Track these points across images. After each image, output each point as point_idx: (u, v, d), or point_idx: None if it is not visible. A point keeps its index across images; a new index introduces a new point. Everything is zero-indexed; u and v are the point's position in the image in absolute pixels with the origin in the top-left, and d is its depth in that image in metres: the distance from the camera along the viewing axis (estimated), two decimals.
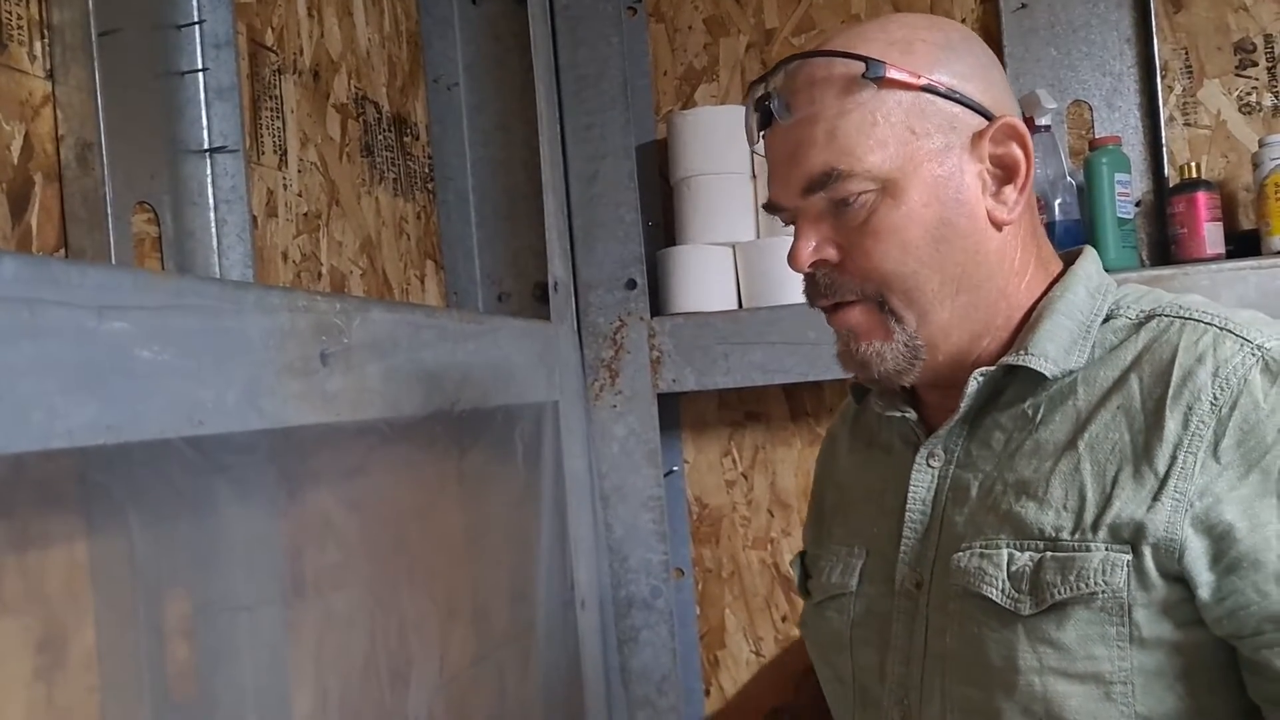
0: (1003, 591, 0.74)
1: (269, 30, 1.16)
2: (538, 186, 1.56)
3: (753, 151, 0.83)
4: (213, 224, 1.02)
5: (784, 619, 1.77)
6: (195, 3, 1.01)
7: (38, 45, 0.84)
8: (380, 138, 1.40)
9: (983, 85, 0.78)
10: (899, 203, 0.76)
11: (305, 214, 1.19)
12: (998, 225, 0.78)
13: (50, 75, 0.85)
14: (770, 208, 0.83)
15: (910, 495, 0.82)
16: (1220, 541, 0.68)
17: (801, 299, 1.64)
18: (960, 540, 0.78)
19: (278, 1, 1.18)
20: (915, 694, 0.80)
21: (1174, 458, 0.69)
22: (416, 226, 1.50)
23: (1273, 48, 1.62)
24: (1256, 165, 1.54)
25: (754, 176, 1.70)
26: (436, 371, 1.08)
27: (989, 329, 0.79)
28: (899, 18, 0.82)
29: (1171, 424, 0.70)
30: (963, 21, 1.72)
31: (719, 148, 1.68)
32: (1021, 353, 0.77)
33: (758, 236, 1.69)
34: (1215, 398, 0.70)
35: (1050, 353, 0.76)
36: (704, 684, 1.79)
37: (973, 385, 0.78)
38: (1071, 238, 1.55)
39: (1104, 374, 0.76)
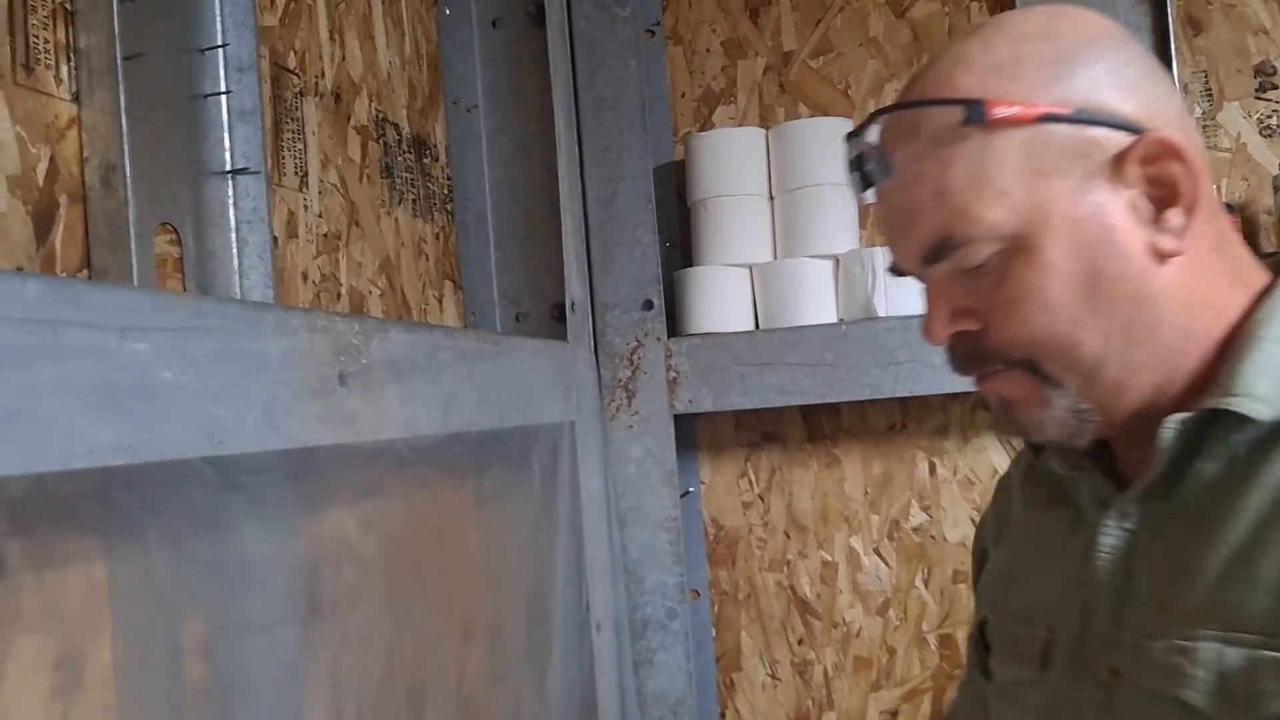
0: (1206, 695, 0.60)
1: (291, 53, 1.18)
2: (556, 208, 1.57)
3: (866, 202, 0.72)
4: (234, 244, 1.03)
5: (800, 642, 1.76)
6: (219, 27, 1.02)
7: (64, 69, 0.86)
8: (400, 159, 1.41)
9: (1122, 92, 0.65)
10: (1034, 260, 0.64)
11: (325, 235, 1.20)
12: (1164, 258, 0.64)
13: (76, 98, 0.86)
14: (895, 271, 0.73)
15: (1099, 566, 0.69)
16: None
17: (818, 320, 1.65)
18: (1157, 626, 0.64)
19: (300, 25, 1.19)
20: None
21: None
22: (435, 247, 1.50)
23: None
24: (1277, 188, 1.53)
25: (770, 198, 1.71)
26: (454, 392, 1.08)
27: (1177, 373, 0.66)
28: (1003, 26, 0.68)
29: None
30: None
31: (736, 169, 1.69)
32: (1224, 393, 0.62)
33: (775, 258, 1.69)
34: None
35: (1260, 390, 0.61)
36: (719, 707, 1.78)
37: (1167, 437, 0.64)
38: None
39: None
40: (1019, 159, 0.64)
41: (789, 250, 1.68)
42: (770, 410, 1.76)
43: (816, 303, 1.64)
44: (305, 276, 1.16)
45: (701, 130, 1.80)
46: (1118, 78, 0.65)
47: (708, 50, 1.83)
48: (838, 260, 1.65)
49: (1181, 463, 0.65)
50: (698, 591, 1.78)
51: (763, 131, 1.72)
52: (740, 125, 1.80)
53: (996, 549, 0.86)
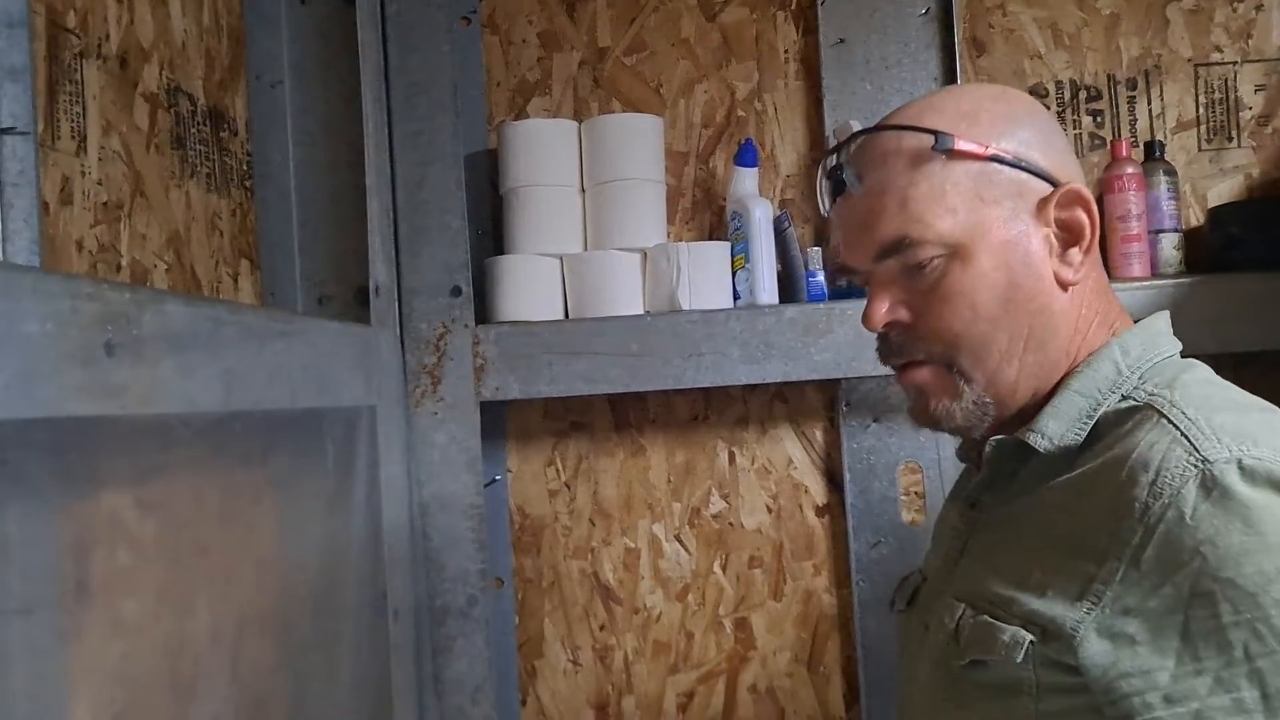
0: (949, 638, 0.81)
1: (71, 13, 1.12)
2: (363, 190, 1.54)
3: (825, 217, 0.91)
4: None
5: (602, 628, 1.79)
6: None
7: None
8: (194, 131, 1.36)
9: (1046, 152, 0.83)
10: (969, 266, 0.80)
11: (105, 203, 1.15)
12: (1064, 286, 0.82)
13: None
14: (843, 270, 0.88)
15: (951, 541, 0.89)
16: (1120, 649, 0.69)
17: (625, 311, 1.68)
18: (954, 589, 0.84)
19: None
20: None
21: (1101, 560, 0.71)
22: (231, 223, 1.46)
23: (1062, 93, 1.75)
24: None
25: (582, 190, 1.73)
26: (239, 369, 1.05)
27: (1045, 385, 0.83)
28: (967, 89, 0.89)
29: (1106, 526, 0.71)
30: (785, 53, 1.80)
31: (549, 160, 1.70)
32: (1028, 428, 0.81)
33: (585, 249, 1.72)
34: (1147, 507, 0.70)
35: (1050, 430, 0.80)
36: (520, 694, 1.79)
37: (987, 450, 0.83)
38: None
39: (1084, 459, 0.78)
40: (969, 185, 0.81)
41: (598, 242, 1.70)
42: (579, 399, 1.78)
43: (624, 294, 1.67)
44: (81, 246, 1.10)
45: (516, 120, 1.80)
46: (1045, 141, 0.83)
47: (524, 41, 1.83)
48: (645, 253, 1.69)
49: (1008, 470, 0.84)
50: (501, 579, 1.79)
51: (576, 124, 1.74)
52: (554, 117, 1.81)
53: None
